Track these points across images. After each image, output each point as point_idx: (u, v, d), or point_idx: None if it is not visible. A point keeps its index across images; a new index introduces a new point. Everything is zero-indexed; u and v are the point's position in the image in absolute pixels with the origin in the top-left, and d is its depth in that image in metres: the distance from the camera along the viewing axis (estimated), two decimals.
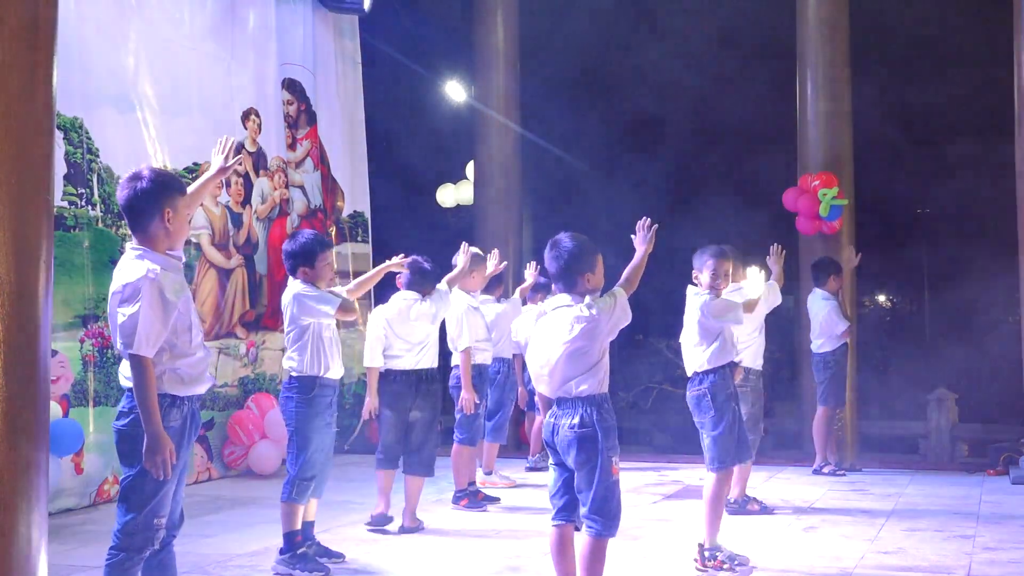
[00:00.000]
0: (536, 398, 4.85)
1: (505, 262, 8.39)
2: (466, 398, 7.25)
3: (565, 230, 4.60)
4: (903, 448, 13.88)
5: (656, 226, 4.70)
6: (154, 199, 3.91)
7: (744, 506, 7.14)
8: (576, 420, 4.34)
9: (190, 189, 4.20)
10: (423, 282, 6.61)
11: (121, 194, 3.97)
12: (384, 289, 7.11)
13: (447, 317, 7.08)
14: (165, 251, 3.96)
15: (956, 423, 13.65)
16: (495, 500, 7.58)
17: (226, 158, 4.43)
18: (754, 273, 6.55)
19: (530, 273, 8.52)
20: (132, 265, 3.89)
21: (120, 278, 3.88)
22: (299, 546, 5.55)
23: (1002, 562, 5.71)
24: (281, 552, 5.57)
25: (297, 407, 5.57)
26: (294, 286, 5.67)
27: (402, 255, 6.59)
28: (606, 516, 4.33)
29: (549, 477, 4.53)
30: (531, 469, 8.98)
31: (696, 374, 5.89)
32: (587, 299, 4.41)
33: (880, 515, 7.09)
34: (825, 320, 8.90)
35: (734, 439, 5.78)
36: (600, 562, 4.38)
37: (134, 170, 4.02)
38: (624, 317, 4.43)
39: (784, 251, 7.55)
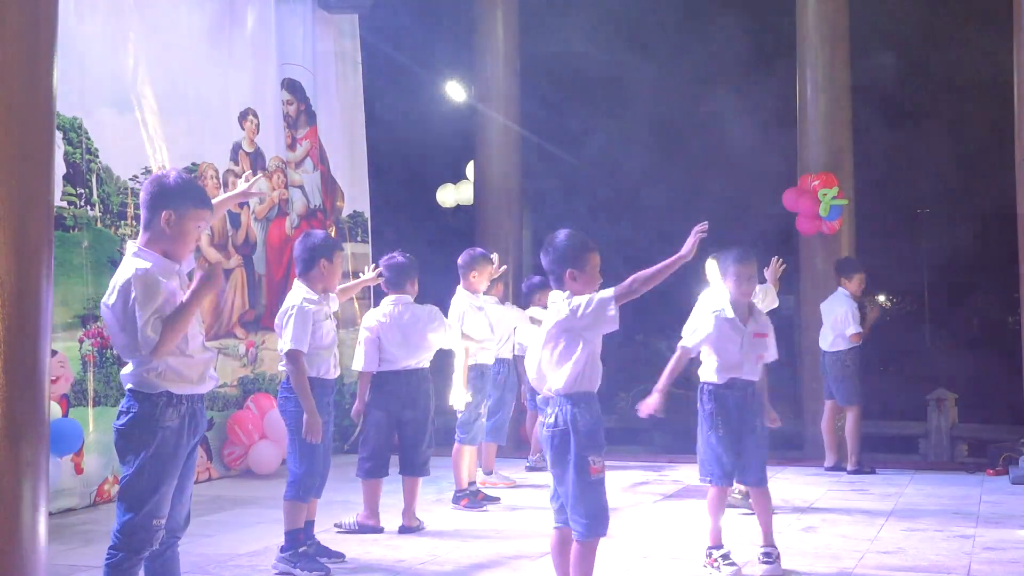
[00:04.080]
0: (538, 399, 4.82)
1: (504, 266, 8.39)
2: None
3: (564, 230, 4.57)
4: (903, 448, 13.86)
5: (703, 234, 4.46)
6: (165, 197, 3.94)
7: (746, 499, 7.11)
8: (552, 419, 4.31)
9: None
10: (401, 277, 6.52)
11: (144, 186, 4.04)
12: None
13: (449, 316, 7.07)
14: (162, 253, 3.96)
15: (956, 423, 13.63)
16: (495, 500, 7.58)
17: (250, 186, 4.69)
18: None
19: None
20: (125, 265, 3.91)
21: (113, 281, 3.91)
22: (300, 544, 5.56)
23: (1002, 562, 5.71)
24: (282, 550, 5.58)
25: (296, 408, 5.57)
26: (296, 295, 5.68)
27: (374, 265, 6.57)
28: (587, 517, 4.27)
29: (550, 479, 4.51)
30: (531, 469, 8.98)
31: (704, 384, 5.58)
32: (566, 294, 4.38)
33: (880, 515, 7.10)
34: (840, 318, 8.99)
35: (715, 455, 5.48)
36: (587, 563, 4.33)
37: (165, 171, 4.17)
38: (602, 318, 4.24)
39: (784, 265, 7.46)
